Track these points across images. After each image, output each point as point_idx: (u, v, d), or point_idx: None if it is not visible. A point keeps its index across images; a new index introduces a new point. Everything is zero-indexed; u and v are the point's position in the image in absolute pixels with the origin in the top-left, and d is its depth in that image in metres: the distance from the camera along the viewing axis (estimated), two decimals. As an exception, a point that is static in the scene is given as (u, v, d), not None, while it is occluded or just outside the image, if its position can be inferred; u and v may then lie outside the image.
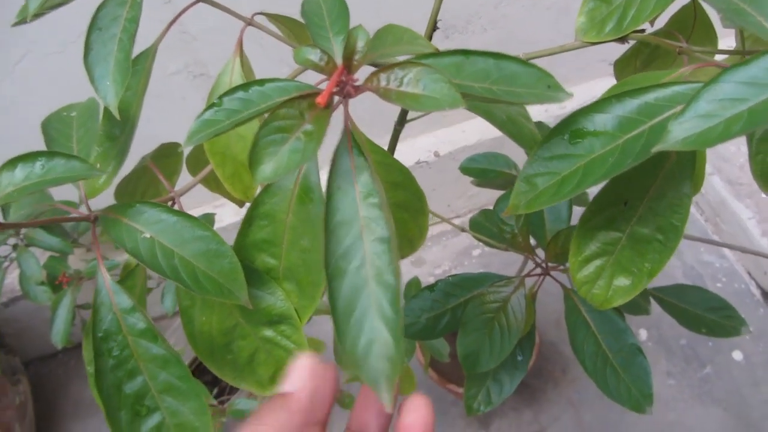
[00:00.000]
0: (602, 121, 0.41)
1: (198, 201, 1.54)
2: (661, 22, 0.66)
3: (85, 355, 0.50)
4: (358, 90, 0.35)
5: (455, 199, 1.70)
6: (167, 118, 1.32)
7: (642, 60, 0.65)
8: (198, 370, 1.27)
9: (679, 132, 0.32)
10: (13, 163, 0.41)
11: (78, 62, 0.47)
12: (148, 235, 0.43)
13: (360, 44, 0.35)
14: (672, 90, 0.39)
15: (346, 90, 0.35)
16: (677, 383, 1.37)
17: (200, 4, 0.52)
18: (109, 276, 0.45)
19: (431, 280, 1.64)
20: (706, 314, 0.80)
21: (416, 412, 0.35)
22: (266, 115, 0.34)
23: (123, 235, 0.43)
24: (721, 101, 0.32)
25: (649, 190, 0.46)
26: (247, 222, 0.45)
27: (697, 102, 0.32)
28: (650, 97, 0.40)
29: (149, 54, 0.51)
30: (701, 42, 0.62)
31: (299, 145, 0.33)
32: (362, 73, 0.38)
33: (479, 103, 0.47)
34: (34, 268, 1.23)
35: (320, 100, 0.34)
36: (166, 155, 0.60)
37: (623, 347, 0.69)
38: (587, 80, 1.57)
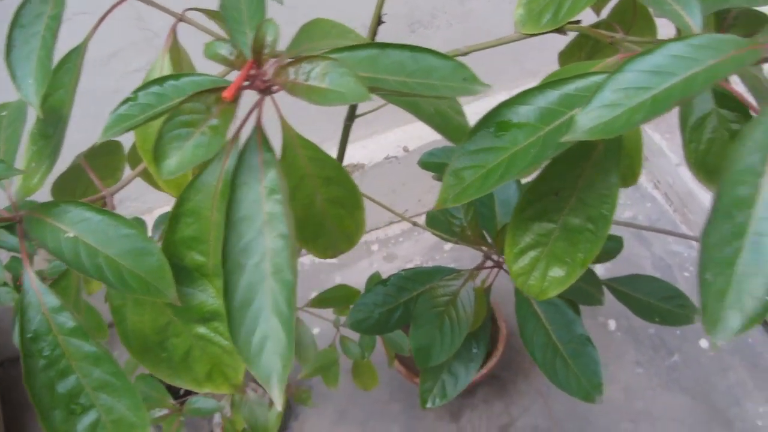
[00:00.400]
0: (525, 112, 0.41)
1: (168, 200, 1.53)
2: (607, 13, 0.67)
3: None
4: (268, 84, 0.35)
5: (425, 194, 1.70)
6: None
7: (586, 52, 0.65)
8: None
9: (585, 122, 0.32)
10: (-70, 162, 0.41)
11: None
12: (71, 235, 0.42)
13: (269, 38, 0.35)
14: (591, 80, 0.39)
15: (255, 84, 0.35)
16: (645, 372, 1.38)
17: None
18: (36, 276, 0.44)
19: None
20: (659, 303, 0.80)
21: None
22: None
23: (46, 235, 0.43)
24: (626, 90, 0.32)
25: (578, 180, 0.46)
26: (174, 219, 0.44)
27: (602, 92, 0.32)
28: (570, 87, 0.40)
29: (79, 51, 0.50)
30: (641, 33, 0.62)
31: (204, 139, 0.33)
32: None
33: (405, 98, 0.47)
34: (-4, 270, 1.22)
35: (226, 94, 0.33)
36: (106, 153, 0.59)
37: (573, 338, 0.70)
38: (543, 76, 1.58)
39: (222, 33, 0.56)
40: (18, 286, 1.24)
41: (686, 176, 1.55)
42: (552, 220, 0.48)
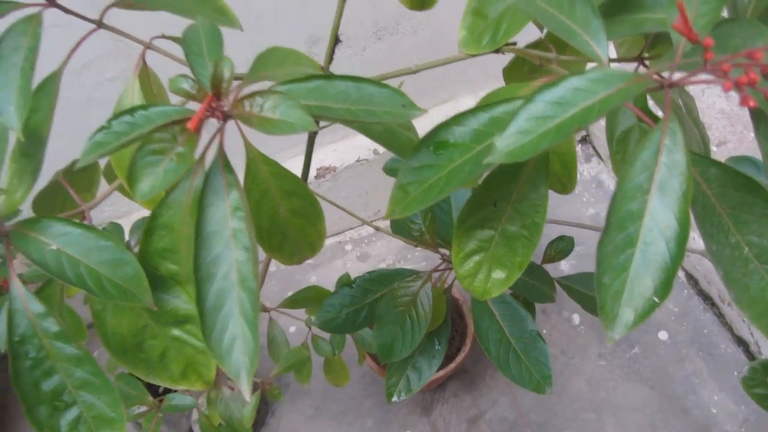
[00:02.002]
0: (460, 133, 0.46)
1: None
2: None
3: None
4: (227, 115, 0.39)
5: (397, 195, 1.74)
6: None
7: (529, 67, 0.70)
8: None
9: (502, 147, 0.37)
10: None
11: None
12: (54, 247, 0.47)
13: (226, 74, 0.39)
14: (516, 104, 0.45)
15: (215, 115, 0.39)
16: (608, 364, 1.44)
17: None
18: (22, 285, 0.48)
19: (375, 274, 1.69)
20: (608, 299, 0.86)
21: None
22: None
23: (30, 248, 0.47)
24: (536, 119, 0.37)
25: (513, 192, 0.51)
26: (149, 232, 0.49)
27: (516, 120, 0.37)
28: (499, 111, 0.45)
29: (55, 77, 0.54)
30: (576, 52, 0.67)
31: (172, 165, 0.38)
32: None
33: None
34: (-24, 275, 1.25)
35: (190, 125, 0.38)
36: (83, 169, 0.64)
37: (525, 334, 0.75)
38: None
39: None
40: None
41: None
42: (492, 228, 0.53)
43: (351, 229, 1.78)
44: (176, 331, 0.51)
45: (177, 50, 0.59)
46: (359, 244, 1.75)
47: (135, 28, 0.58)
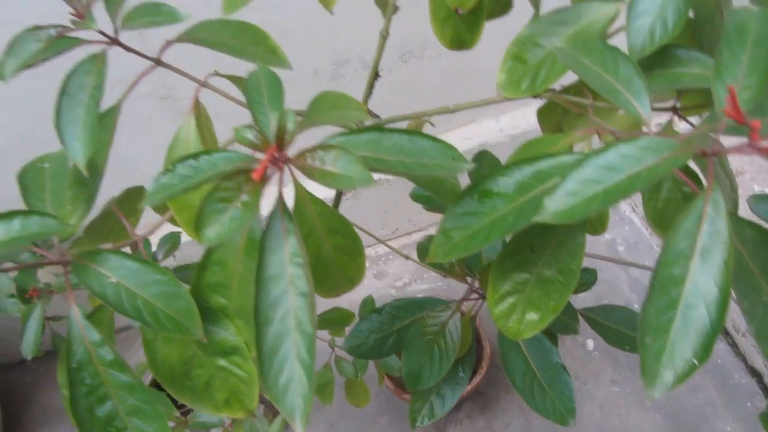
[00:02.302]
0: (505, 184, 0.48)
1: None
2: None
3: (60, 379, 0.56)
4: (289, 163, 0.42)
5: (416, 214, 1.77)
6: (135, 137, 1.38)
7: (563, 108, 0.72)
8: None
9: (552, 207, 0.39)
10: (-5, 220, 0.48)
11: (50, 87, 0.53)
12: (114, 280, 0.49)
13: (290, 126, 0.42)
14: (559, 159, 0.47)
15: (277, 164, 0.42)
16: (621, 390, 1.45)
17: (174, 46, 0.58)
18: (80, 313, 0.51)
19: (392, 292, 1.71)
20: (630, 332, 0.88)
21: None
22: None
23: (91, 280, 0.49)
24: (585, 182, 0.39)
25: (551, 239, 0.53)
26: (202, 267, 0.51)
27: (566, 182, 0.39)
28: (543, 164, 0.47)
29: (114, 111, 0.57)
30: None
31: (237, 213, 0.40)
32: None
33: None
34: (5, 281, 1.28)
35: (255, 175, 0.40)
36: (132, 197, 0.66)
37: (549, 366, 0.77)
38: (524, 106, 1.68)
39: (239, 95, 0.63)
40: (25, 298, 1.30)
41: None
42: (528, 272, 0.55)
43: (368, 246, 1.80)
44: (222, 362, 0.53)
45: (223, 84, 0.62)
46: (376, 262, 1.77)
47: (180, 59, 0.60)
